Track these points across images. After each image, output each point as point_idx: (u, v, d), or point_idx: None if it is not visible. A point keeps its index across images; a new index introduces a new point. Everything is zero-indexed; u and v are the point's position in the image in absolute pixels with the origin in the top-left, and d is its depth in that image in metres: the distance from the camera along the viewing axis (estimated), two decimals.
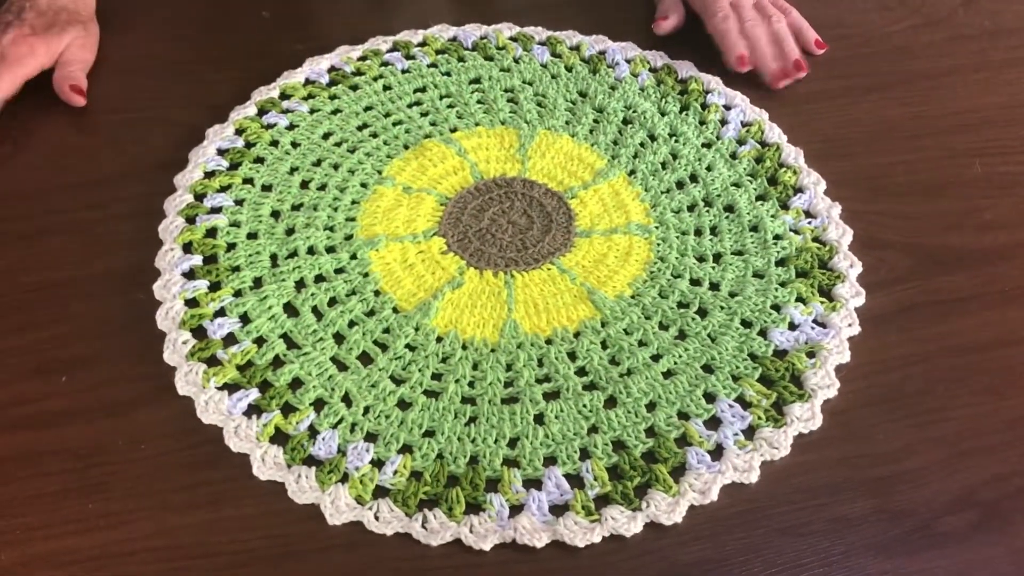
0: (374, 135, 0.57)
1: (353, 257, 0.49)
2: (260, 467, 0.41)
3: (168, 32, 0.67)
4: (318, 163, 0.55)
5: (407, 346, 0.46)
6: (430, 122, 0.58)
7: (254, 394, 0.43)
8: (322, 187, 0.53)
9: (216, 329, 0.45)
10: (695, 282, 0.49)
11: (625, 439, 0.42)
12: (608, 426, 0.42)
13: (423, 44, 0.63)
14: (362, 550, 0.39)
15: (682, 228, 0.52)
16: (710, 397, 0.44)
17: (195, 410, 0.43)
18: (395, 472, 0.40)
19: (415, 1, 0.68)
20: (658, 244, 0.51)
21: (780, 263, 0.50)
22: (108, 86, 0.61)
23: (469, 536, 0.38)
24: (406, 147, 0.56)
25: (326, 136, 0.57)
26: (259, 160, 0.55)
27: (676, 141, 0.57)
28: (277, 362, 0.45)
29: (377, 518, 0.39)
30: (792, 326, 0.47)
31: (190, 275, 0.48)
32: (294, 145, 0.56)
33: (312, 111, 0.58)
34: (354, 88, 0.60)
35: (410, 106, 0.59)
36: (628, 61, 0.62)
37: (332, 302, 0.47)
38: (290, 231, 0.51)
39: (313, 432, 0.42)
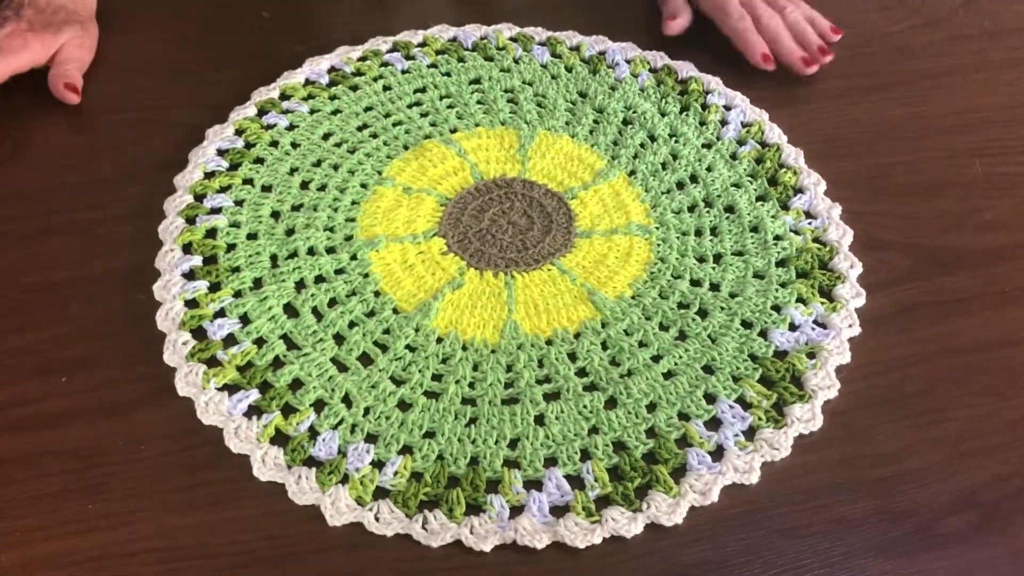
0: (374, 135, 0.57)
1: (353, 258, 0.49)
2: (260, 468, 0.41)
3: (168, 32, 0.67)
4: (318, 164, 0.55)
5: (407, 347, 0.45)
6: (430, 123, 0.58)
7: (254, 395, 0.43)
8: (322, 188, 0.53)
9: (216, 330, 0.45)
10: (695, 283, 0.49)
11: (625, 440, 0.42)
12: (608, 427, 0.42)
13: (423, 44, 0.63)
14: (362, 551, 0.39)
15: (682, 229, 0.52)
16: (710, 398, 0.44)
17: (195, 411, 0.43)
18: (395, 473, 0.40)
19: (415, 1, 0.68)
20: (658, 245, 0.51)
21: (780, 264, 0.50)
22: (108, 86, 0.61)
23: (469, 537, 0.38)
24: (406, 148, 0.56)
25: (326, 137, 0.57)
26: (259, 161, 0.55)
27: (676, 142, 0.57)
28: (277, 363, 0.45)
29: (377, 519, 0.39)
30: (792, 327, 0.47)
31: (190, 276, 0.48)
32: (294, 146, 0.56)
33: (312, 111, 0.58)
34: (354, 88, 0.60)
35: (410, 106, 0.59)
36: (628, 62, 0.62)
37: (332, 303, 0.47)
38: (290, 232, 0.51)
39: (313, 433, 0.42)
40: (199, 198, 0.52)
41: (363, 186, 0.54)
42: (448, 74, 0.61)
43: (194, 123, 0.58)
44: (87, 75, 0.60)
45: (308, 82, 0.60)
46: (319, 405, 0.43)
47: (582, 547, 0.38)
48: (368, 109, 0.59)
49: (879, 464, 0.42)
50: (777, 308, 0.48)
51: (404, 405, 0.43)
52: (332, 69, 0.61)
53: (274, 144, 0.56)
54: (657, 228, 0.52)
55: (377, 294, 0.48)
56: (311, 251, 0.50)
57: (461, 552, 0.39)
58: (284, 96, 0.59)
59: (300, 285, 0.48)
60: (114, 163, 0.56)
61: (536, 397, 0.43)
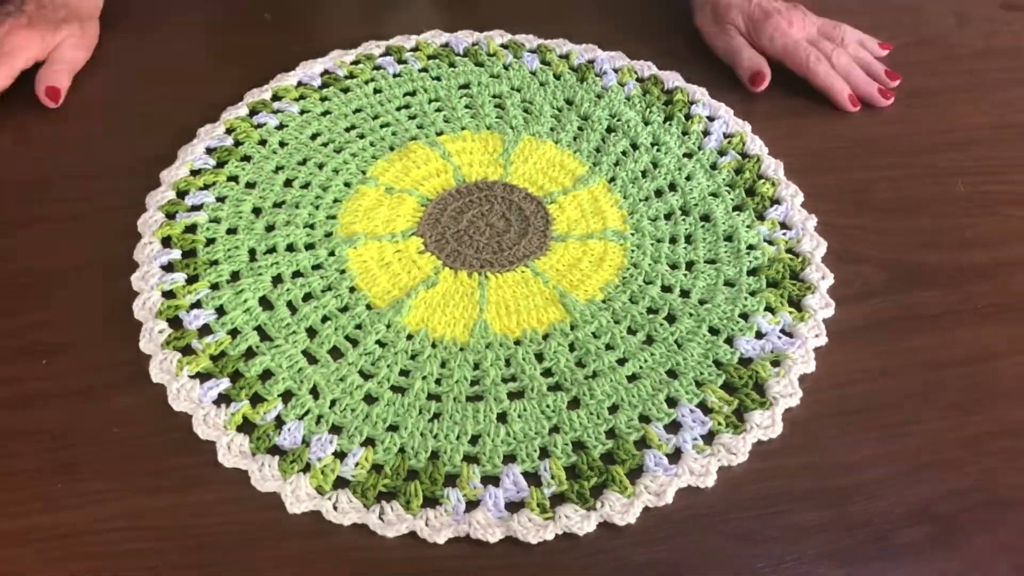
0: (361, 136, 0.58)
1: (331, 254, 0.51)
2: (225, 455, 0.42)
3: (169, 32, 0.69)
4: (303, 162, 0.56)
5: (377, 342, 0.46)
6: (417, 125, 0.59)
7: (225, 384, 0.44)
8: (305, 185, 0.55)
9: (192, 320, 0.47)
10: (666, 289, 0.49)
11: (585, 440, 0.42)
12: (569, 426, 0.43)
13: (415, 49, 0.65)
14: (320, 539, 0.39)
15: (657, 236, 0.52)
16: (672, 402, 0.44)
17: (167, 397, 0.44)
18: (356, 464, 0.41)
19: (409, 7, 0.69)
20: (632, 251, 0.51)
21: (752, 273, 0.50)
22: (108, 83, 0.63)
23: (424, 529, 0.39)
24: (392, 149, 0.57)
25: (314, 136, 0.58)
26: (246, 158, 0.56)
27: (658, 150, 0.57)
28: (250, 354, 0.46)
29: (336, 508, 0.40)
30: (759, 335, 0.47)
31: (170, 268, 0.49)
32: (282, 144, 0.57)
33: (302, 112, 0.59)
34: (345, 91, 0.61)
35: (399, 109, 0.60)
36: (616, 70, 0.63)
37: (307, 297, 0.48)
38: (270, 228, 0.52)
39: (280, 423, 0.43)
40: (182, 194, 0.53)
41: (346, 185, 0.55)
42: (438, 78, 0.62)
43: (190, 121, 0.59)
44: (86, 72, 0.62)
45: (301, 84, 0.62)
46: (287, 396, 0.44)
47: (534, 543, 0.39)
48: (357, 111, 0.60)
49: (837, 473, 0.42)
50: (745, 316, 0.48)
51: (370, 399, 0.44)
52: (325, 72, 0.63)
53: (262, 143, 0.57)
54: (632, 234, 0.52)
55: (352, 290, 0.49)
56: (290, 247, 0.51)
57: (416, 543, 0.39)
58: (276, 97, 0.60)
59: (277, 280, 0.49)
60: (108, 158, 0.57)
61: (500, 395, 0.44)
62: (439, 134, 0.58)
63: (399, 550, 0.39)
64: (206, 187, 0.54)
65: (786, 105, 0.63)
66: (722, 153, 0.57)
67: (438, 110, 0.60)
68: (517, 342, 0.47)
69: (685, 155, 0.57)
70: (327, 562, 0.39)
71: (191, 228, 0.52)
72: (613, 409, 0.44)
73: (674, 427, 0.43)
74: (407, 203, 0.54)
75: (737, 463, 0.42)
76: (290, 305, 0.48)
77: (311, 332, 0.47)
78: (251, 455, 0.42)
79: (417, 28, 0.66)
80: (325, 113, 0.59)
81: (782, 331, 0.47)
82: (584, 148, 0.57)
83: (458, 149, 0.57)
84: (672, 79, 0.62)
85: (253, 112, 0.59)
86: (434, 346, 0.46)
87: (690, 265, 0.51)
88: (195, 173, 0.55)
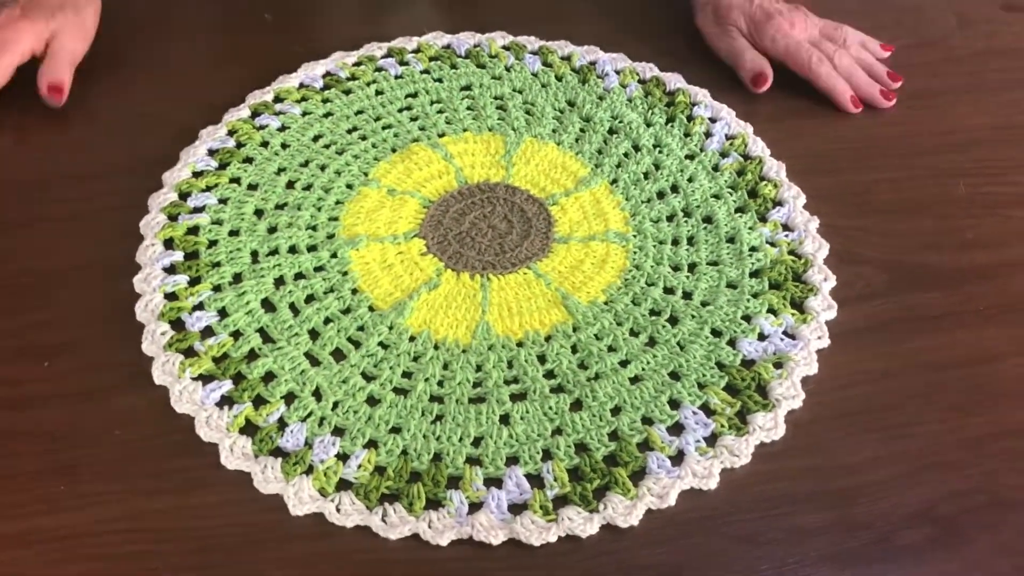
0: (363, 138, 0.58)
1: (333, 256, 0.51)
2: (228, 456, 0.42)
3: (170, 33, 0.69)
4: (305, 164, 0.56)
5: (380, 344, 0.46)
6: (419, 127, 0.59)
7: (227, 386, 0.44)
8: (308, 187, 0.55)
9: (194, 322, 0.46)
10: (668, 290, 0.49)
11: (588, 442, 0.42)
12: (572, 429, 0.43)
13: (417, 51, 0.65)
14: (322, 541, 0.39)
15: (660, 237, 0.52)
16: (675, 404, 0.44)
17: (169, 399, 0.44)
18: (359, 466, 0.41)
19: (411, 9, 0.69)
20: (635, 252, 0.51)
21: (754, 274, 0.50)
22: (109, 83, 0.63)
23: (427, 531, 0.39)
24: (394, 150, 0.57)
25: (316, 138, 0.58)
26: (248, 160, 0.56)
27: (660, 152, 0.57)
28: (252, 355, 0.46)
29: (338, 510, 0.40)
30: (761, 336, 0.47)
31: (171, 270, 0.49)
32: (284, 146, 0.57)
33: (304, 114, 0.59)
34: (347, 92, 0.61)
35: (400, 111, 0.60)
36: (618, 72, 0.63)
37: (309, 299, 0.48)
38: (272, 229, 0.52)
39: (282, 425, 0.43)
40: (184, 196, 0.53)
41: (348, 187, 0.55)
42: (440, 80, 0.62)
43: (191, 122, 0.59)
44: (88, 73, 0.62)
45: (302, 85, 0.62)
46: (290, 398, 0.44)
47: (537, 545, 0.39)
48: (359, 112, 0.60)
49: (839, 475, 0.42)
50: (747, 318, 0.48)
51: (373, 400, 0.44)
52: (327, 74, 0.63)
53: (264, 144, 0.57)
54: (635, 236, 0.52)
55: (354, 292, 0.49)
56: (292, 249, 0.51)
57: (419, 545, 0.39)
58: (278, 99, 0.60)
59: (280, 281, 0.49)
60: (109, 158, 0.57)
61: (503, 397, 0.44)
62: (441, 136, 0.58)
63: (402, 552, 0.39)
64: (208, 189, 0.54)
65: (788, 106, 0.63)
66: (724, 155, 0.57)
67: (440, 112, 0.60)
68: (519, 344, 0.47)
69: (687, 157, 0.57)
70: (330, 564, 0.39)
71: (193, 230, 0.52)
72: (616, 411, 0.44)
73: (677, 429, 0.43)
74: (409, 205, 0.54)
75: (740, 465, 0.42)
76: (292, 307, 0.48)
77: (313, 334, 0.47)
78: (253, 457, 0.42)
79: (419, 30, 0.66)
80: (327, 115, 0.59)
81: (784, 333, 0.47)
82: (586, 150, 0.57)
83: (460, 151, 0.57)
84: (674, 81, 0.62)
85: (255, 114, 0.59)
86: (436, 348, 0.46)
87: (692, 267, 0.51)
88: (197, 175, 0.55)
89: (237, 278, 0.49)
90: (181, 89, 0.62)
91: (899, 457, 0.43)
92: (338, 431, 0.43)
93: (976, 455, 0.43)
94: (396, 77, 0.62)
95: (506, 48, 0.65)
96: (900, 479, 0.42)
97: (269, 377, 0.45)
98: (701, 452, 0.42)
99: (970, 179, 0.58)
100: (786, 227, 0.53)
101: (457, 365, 0.45)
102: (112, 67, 0.64)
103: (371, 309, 0.48)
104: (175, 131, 0.58)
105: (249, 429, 0.43)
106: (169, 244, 0.51)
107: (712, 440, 0.43)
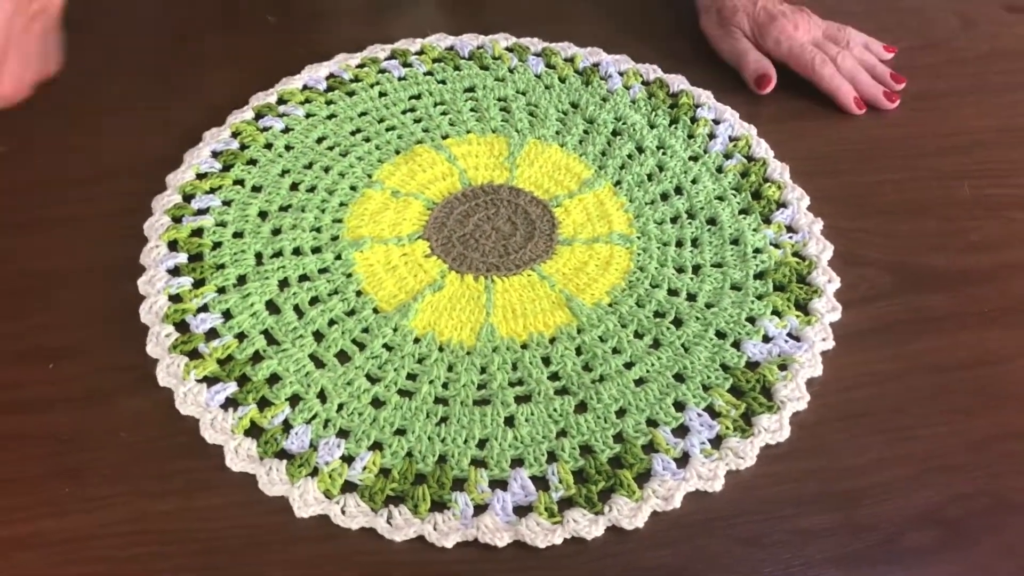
0: (367, 140, 0.58)
1: (338, 258, 0.51)
2: (233, 459, 0.42)
3: (172, 33, 0.69)
4: (309, 166, 0.56)
5: (384, 346, 0.46)
6: (423, 128, 0.59)
7: (232, 388, 0.44)
8: (311, 189, 0.55)
9: (198, 324, 0.47)
10: (673, 292, 0.49)
11: (593, 444, 0.42)
12: (577, 431, 0.43)
13: (420, 53, 0.65)
14: (328, 543, 0.39)
15: (664, 239, 0.52)
16: (680, 406, 0.44)
17: (174, 401, 0.44)
18: (364, 468, 0.41)
19: (414, 10, 0.69)
20: (639, 254, 0.51)
21: (758, 276, 0.50)
22: (112, 86, 0.63)
23: (432, 533, 0.39)
24: (397, 152, 0.57)
25: (320, 140, 0.58)
26: (252, 162, 0.56)
27: (663, 153, 0.57)
28: (257, 357, 0.46)
29: (344, 512, 0.40)
30: (766, 338, 0.47)
31: (176, 272, 0.49)
32: (288, 148, 0.57)
33: (308, 116, 0.59)
34: (350, 94, 0.61)
35: (404, 112, 0.60)
36: (621, 74, 0.63)
37: (314, 301, 0.48)
38: (276, 231, 0.52)
39: (287, 427, 0.43)
40: (188, 198, 0.53)
41: (352, 188, 0.55)
42: (443, 82, 0.62)
43: (194, 123, 0.59)
44: (89, 74, 0.62)
45: (306, 87, 0.62)
46: (294, 400, 0.44)
47: (542, 547, 0.39)
48: (363, 114, 0.60)
49: (844, 477, 0.42)
50: (752, 320, 0.48)
51: (377, 402, 0.44)
52: (330, 76, 0.63)
53: (268, 146, 0.57)
54: (638, 238, 0.52)
55: (359, 294, 0.49)
56: (296, 251, 0.51)
57: (424, 547, 0.39)
58: (282, 101, 0.60)
59: (284, 283, 0.49)
60: (112, 160, 0.57)
61: (507, 399, 0.44)
62: (444, 137, 0.58)
63: (407, 554, 0.39)
64: (212, 191, 0.54)
65: (791, 108, 0.63)
66: (728, 156, 0.57)
67: (443, 113, 0.60)
68: (524, 346, 0.47)
69: (691, 158, 0.57)
70: (335, 566, 0.39)
71: (197, 232, 0.52)
72: (620, 413, 0.44)
73: (682, 431, 0.43)
74: (413, 207, 0.54)
75: (745, 467, 0.42)
76: (297, 309, 0.48)
77: (318, 336, 0.47)
78: (259, 459, 0.42)
79: (422, 31, 0.67)
80: (330, 116, 0.60)
81: (789, 335, 0.47)
82: (590, 151, 0.57)
83: (463, 152, 0.57)
84: (677, 82, 0.62)
85: (259, 115, 0.59)
86: (441, 350, 0.46)
87: (696, 269, 0.51)
88: (201, 176, 0.55)
89: (241, 280, 0.49)
90: (184, 91, 0.63)
91: (904, 459, 0.43)
92: (343, 433, 0.43)
93: (981, 457, 0.43)
94: (399, 79, 0.62)
95: (509, 50, 0.65)
96: (905, 481, 0.42)
97: (274, 379, 0.45)
98: (706, 454, 0.42)
99: (974, 181, 0.58)
100: (790, 229, 0.53)
101: (462, 367, 0.45)
102: (114, 69, 0.64)
103: (375, 311, 0.48)
104: (179, 133, 0.58)
105: (254, 431, 0.43)
106: (173, 246, 0.51)
107: (717, 442, 0.43)
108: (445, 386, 0.45)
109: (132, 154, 0.57)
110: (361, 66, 0.63)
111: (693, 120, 0.60)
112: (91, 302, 0.49)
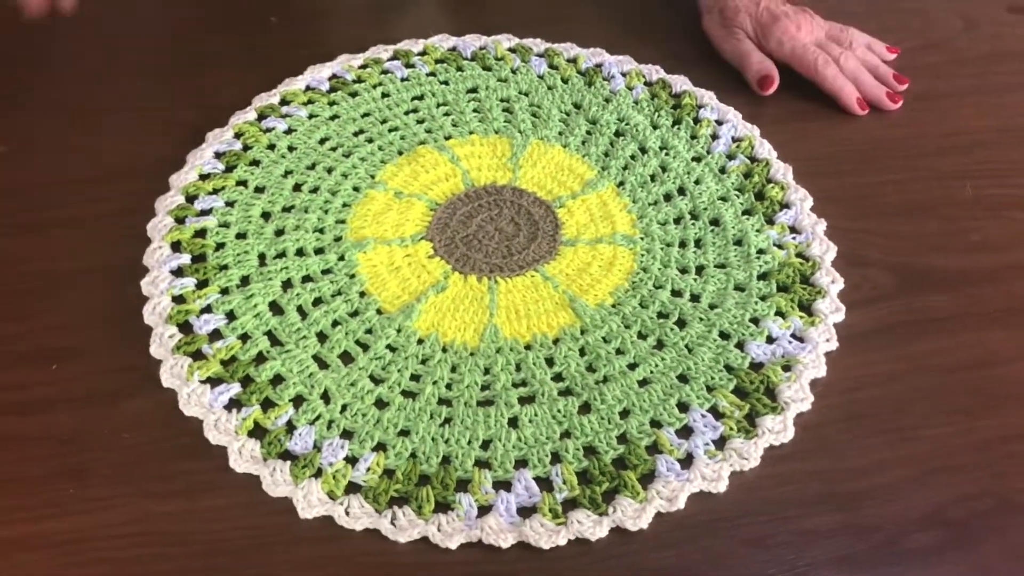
0: (370, 140, 0.58)
1: (341, 259, 0.50)
2: (237, 460, 0.42)
3: (174, 34, 0.69)
4: (312, 166, 0.56)
5: (388, 347, 0.46)
6: (425, 129, 0.59)
7: (235, 388, 0.44)
8: (314, 190, 0.55)
9: (202, 325, 0.46)
10: (676, 293, 0.49)
11: (596, 445, 0.42)
12: (581, 431, 0.43)
13: (423, 53, 0.65)
14: (331, 544, 0.39)
15: (667, 240, 0.52)
16: (683, 406, 0.44)
17: (178, 402, 0.44)
18: (368, 469, 0.41)
19: (417, 11, 0.69)
20: (642, 255, 0.51)
21: (762, 277, 0.50)
22: (114, 86, 0.63)
23: (436, 534, 0.39)
24: (400, 153, 0.57)
25: (322, 141, 0.58)
26: (255, 163, 0.56)
27: (666, 154, 0.57)
28: (260, 358, 0.46)
29: (348, 513, 0.40)
30: (770, 339, 0.47)
31: (179, 273, 0.49)
32: (290, 149, 0.57)
33: (311, 116, 0.59)
34: (353, 95, 0.61)
35: (407, 113, 0.60)
36: (624, 74, 0.63)
37: (317, 302, 0.48)
38: (280, 232, 0.52)
39: (291, 427, 0.43)
40: (192, 199, 0.53)
41: (355, 189, 0.55)
42: (446, 82, 0.62)
43: (197, 124, 0.59)
44: (93, 75, 0.62)
45: (309, 88, 0.62)
46: (298, 400, 0.44)
47: (546, 548, 0.39)
48: (366, 115, 0.60)
49: (848, 478, 0.42)
50: (756, 320, 0.48)
51: (381, 403, 0.44)
52: (333, 76, 0.63)
53: (271, 147, 0.57)
54: (642, 239, 0.52)
55: (362, 295, 0.49)
56: (300, 252, 0.51)
57: (428, 548, 0.39)
58: (284, 102, 0.60)
59: (287, 284, 0.49)
60: (115, 161, 0.57)
61: (511, 400, 0.44)
62: (447, 138, 0.58)
63: (411, 555, 0.39)
64: (215, 191, 0.54)
65: (794, 109, 0.63)
66: (731, 157, 0.57)
67: (446, 114, 0.60)
68: (527, 347, 0.47)
69: (694, 159, 0.57)
70: (339, 567, 0.39)
71: (200, 232, 0.52)
72: (624, 414, 0.44)
73: (686, 432, 0.43)
74: (416, 207, 0.54)
75: (749, 468, 0.42)
76: (300, 310, 0.48)
77: (321, 337, 0.47)
78: (262, 460, 0.41)
79: (424, 32, 0.67)
80: (333, 117, 0.59)
81: (793, 335, 0.47)
82: (593, 152, 0.57)
83: (466, 153, 0.57)
84: (680, 83, 0.62)
85: (261, 116, 0.59)
86: (444, 351, 0.46)
87: (700, 269, 0.51)
88: (204, 177, 0.55)
89: (245, 281, 0.49)
90: (187, 92, 0.62)
91: (908, 460, 0.43)
92: (347, 434, 0.43)
93: (984, 458, 0.43)
94: (402, 79, 0.62)
95: (512, 50, 0.65)
96: (909, 482, 0.42)
97: (277, 380, 0.45)
98: (710, 455, 0.42)
99: (975, 181, 0.58)
100: (793, 229, 0.53)
101: (465, 368, 0.45)
102: (116, 69, 0.64)
103: (379, 312, 0.48)
104: (180, 134, 0.58)
105: (257, 432, 0.43)
106: (176, 247, 0.51)
107: (721, 443, 0.43)
108: (449, 387, 0.45)
109: (133, 155, 0.57)
110: (364, 67, 0.63)
111: (696, 121, 0.60)
112: (93, 303, 0.49)
